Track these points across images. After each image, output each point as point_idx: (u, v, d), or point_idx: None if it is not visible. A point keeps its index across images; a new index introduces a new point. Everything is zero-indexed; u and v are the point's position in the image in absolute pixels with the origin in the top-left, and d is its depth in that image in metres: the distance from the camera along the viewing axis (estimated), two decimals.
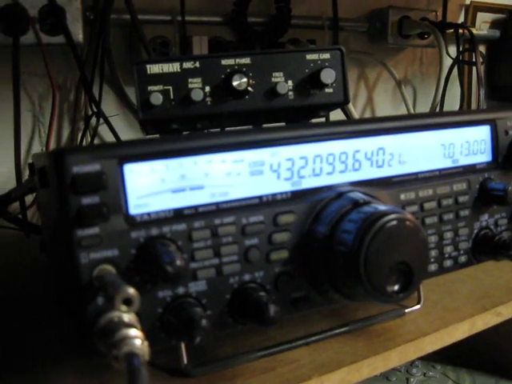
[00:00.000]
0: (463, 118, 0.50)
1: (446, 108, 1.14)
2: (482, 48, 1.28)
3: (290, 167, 0.41)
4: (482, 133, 0.51)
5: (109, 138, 0.90)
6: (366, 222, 0.38)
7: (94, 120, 0.89)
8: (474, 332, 0.55)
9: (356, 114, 1.05)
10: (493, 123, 0.51)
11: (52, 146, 0.86)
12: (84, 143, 0.88)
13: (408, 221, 0.39)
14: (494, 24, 1.28)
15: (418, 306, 0.55)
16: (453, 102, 1.20)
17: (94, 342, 0.34)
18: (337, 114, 0.96)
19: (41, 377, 0.46)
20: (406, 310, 0.54)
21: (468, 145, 0.50)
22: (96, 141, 0.90)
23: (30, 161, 0.48)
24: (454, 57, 1.13)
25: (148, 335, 0.35)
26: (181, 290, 0.38)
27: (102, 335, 0.33)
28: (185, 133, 0.59)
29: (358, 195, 0.42)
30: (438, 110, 1.10)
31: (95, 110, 0.87)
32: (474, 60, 1.09)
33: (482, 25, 1.27)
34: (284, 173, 0.41)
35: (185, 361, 0.44)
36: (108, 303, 0.33)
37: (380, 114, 1.19)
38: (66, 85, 0.89)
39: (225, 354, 0.47)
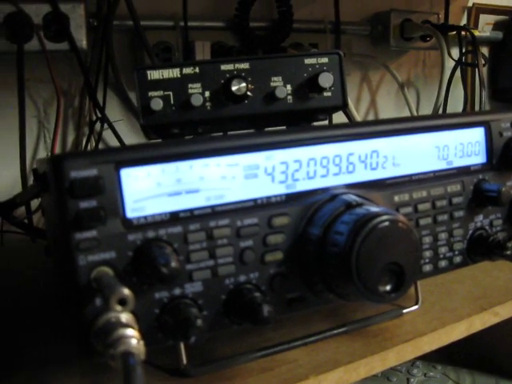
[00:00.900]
0: (457, 120, 0.51)
1: (449, 110, 1.15)
2: (485, 50, 1.29)
3: (285, 170, 0.42)
4: (476, 135, 0.51)
5: (113, 142, 0.91)
6: (357, 224, 0.39)
7: (98, 125, 0.90)
8: (472, 332, 0.55)
9: (358, 117, 1.06)
10: (487, 125, 0.51)
11: (57, 151, 0.88)
12: (89, 148, 0.90)
13: (400, 222, 0.40)
14: (497, 26, 1.29)
15: (415, 307, 0.56)
16: (456, 103, 1.21)
17: (92, 342, 0.35)
18: (340, 118, 0.97)
19: (45, 376, 0.46)
20: (404, 311, 0.55)
21: (462, 147, 0.50)
22: (101, 146, 0.92)
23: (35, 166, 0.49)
24: (456, 59, 1.14)
25: (145, 335, 0.36)
26: (177, 291, 0.39)
27: (99, 335, 0.34)
28: (186, 137, 0.60)
29: (351, 197, 0.43)
30: (440, 111, 1.11)
31: (99, 115, 0.89)
32: (476, 62, 1.09)
33: (485, 27, 1.27)
34: (278, 176, 0.42)
35: (184, 361, 0.45)
36: (105, 304, 0.34)
37: (383, 116, 1.20)
38: (70, 90, 0.90)
39: (224, 354, 0.47)
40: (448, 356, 0.69)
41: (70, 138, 0.92)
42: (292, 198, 0.43)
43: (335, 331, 0.51)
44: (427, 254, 0.49)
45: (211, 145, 0.40)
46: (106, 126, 0.89)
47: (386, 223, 0.39)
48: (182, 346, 0.44)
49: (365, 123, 0.61)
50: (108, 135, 0.91)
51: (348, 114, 1.00)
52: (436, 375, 0.66)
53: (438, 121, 0.50)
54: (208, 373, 0.45)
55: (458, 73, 1.16)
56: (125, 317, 0.35)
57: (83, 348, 0.37)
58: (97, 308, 0.36)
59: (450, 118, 0.51)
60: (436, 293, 0.59)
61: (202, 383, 0.44)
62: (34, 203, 0.80)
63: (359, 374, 0.48)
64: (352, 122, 0.89)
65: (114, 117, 0.91)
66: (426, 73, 1.24)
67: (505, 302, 0.58)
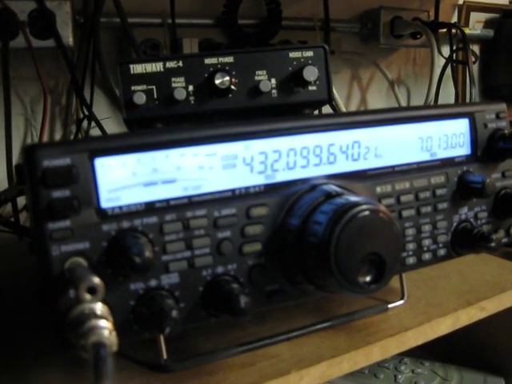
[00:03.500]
0: (441, 111, 0.50)
1: None
2: (476, 47, 1.29)
3: (264, 160, 0.42)
4: (461, 126, 0.51)
5: None
6: (336, 213, 0.38)
7: (85, 123, 0.89)
8: (458, 327, 0.55)
9: None
10: (471, 116, 0.51)
11: None
12: None
13: (380, 212, 0.39)
14: (487, 23, 1.29)
15: (401, 302, 0.55)
16: (447, 101, 1.21)
17: (66, 333, 0.34)
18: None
19: (28, 371, 0.46)
20: (389, 305, 0.54)
21: (446, 138, 0.50)
22: None
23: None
24: (447, 56, 1.13)
25: (121, 327, 0.36)
26: (153, 283, 0.38)
27: (73, 326, 0.33)
28: None
29: (331, 187, 0.42)
30: None
31: (87, 113, 0.88)
32: (466, 59, 1.09)
33: (476, 24, 1.27)
34: (257, 166, 0.41)
35: (164, 355, 0.44)
36: (76, 294, 0.33)
37: None
38: (57, 88, 0.90)
39: (206, 349, 0.47)
40: (436, 353, 0.69)
41: (57, 136, 0.91)
42: (271, 189, 0.42)
43: (319, 326, 0.51)
44: (410, 246, 0.48)
45: (188, 134, 0.39)
46: (93, 123, 0.89)
47: (366, 212, 0.39)
48: (161, 340, 0.44)
49: (346, 113, 0.61)
50: (95, 133, 0.90)
51: (336, 111, 0.99)
52: (424, 372, 0.65)
53: (421, 112, 0.49)
54: (188, 368, 0.45)
55: (448, 70, 1.16)
56: (99, 308, 0.34)
57: (58, 340, 0.36)
58: (70, 299, 0.35)
59: (433, 109, 0.50)
60: (422, 287, 0.59)
61: (182, 378, 0.44)
62: (22, 202, 0.79)
63: (342, 369, 0.48)
64: (333, 113, 0.88)
65: (102, 114, 0.90)
66: (416, 70, 1.24)
67: (491, 296, 0.57)
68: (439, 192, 0.49)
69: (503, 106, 0.52)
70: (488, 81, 1.30)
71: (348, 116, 0.47)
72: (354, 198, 0.40)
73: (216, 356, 0.46)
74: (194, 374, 0.44)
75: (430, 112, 0.50)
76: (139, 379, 0.44)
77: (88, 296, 0.32)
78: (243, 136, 0.41)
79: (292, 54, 0.57)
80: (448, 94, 1.20)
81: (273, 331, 0.49)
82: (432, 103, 1.11)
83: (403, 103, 1.17)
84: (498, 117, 0.52)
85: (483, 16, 1.28)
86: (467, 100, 1.20)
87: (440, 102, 1.15)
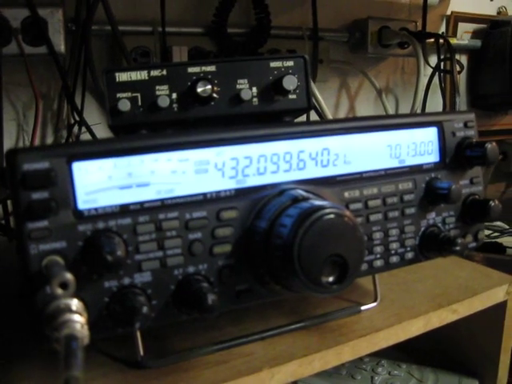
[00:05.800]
0: (410, 119, 0.52)
1: None
2: (464, 57, 1.31)
3: (235, 166, 0.44)
4: (429, 134, 0.53)
5: None
6: (300, 216, 0.40)
7: (76, 128, 0.91)
8: (429, 328, 0.56)
9: None
10: (440, 125, 0.53)
11: None
12: None
13: (343, 216, 0.41)
14: (475, 34, 1.31)
15: (374, 304, 0.57)
16: (436, 109, 1.23)
17: (42, 327, 0.36)
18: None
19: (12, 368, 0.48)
20: (362, 308, 0.56)
21: (415, 146, 0.52)
22: None
23: None
24: (434, 66, 1.16)
25: (96, 323, 0.38)
26: (126, 281, 0.40)
27: (48, 320, 0.35)
28: None
29: (298, 192, 0.44)
30: None
31: (78, 118, 0.90)
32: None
33: (464, 35, 1.29)
34: (228, 171, 0.43)
35: (141, 353, 0.46)
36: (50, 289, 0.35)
37: None
38: (49, 94, 0.91)
39: (184, 348, 0.48)
40: (413, 355, 0.70)
41: (49, 141, 0.93)
42: (241, 193, 0.44)
43: (292, 326, 0.52)
44: (378, 249, 0.50)
45: (162, 140, 0.41)
46: (84, 129, 0.91)
47: (330, 216, 0.40)
48: (138, 337, 0.46)
49: (316, 122, 0.62)
50: (86, 138, 0.92)
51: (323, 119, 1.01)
52: (400, 373, 0.67)
53: (390, 120, 0.51)
54: (164, 365, 0.46)
55: (436, 80, 1.18)
56: (74, 304, 0.36)
57: (35, 334, 0.38)
58: (47, 295, 0.37)
59: (402, 118, 0.52)
60: (396, 290, 0.61)
61: (158, 375, 0.46)
62: None
63: (314, 368, 0.49)
64: (303, 121, 0.90)
65: (93, 120, 0.92)
66: (404, 79, 1.26)
67: (463, 299, 0.59)
68: (407, 197, 0.51)
69: (471, 116, 0.54)
70: (476, 90, 1.32)
71: (318, 124, 0.49)
72: (318, 203, 0.42)
73: (191, 354, 0.48)
74: (169, 370, 0.46)
75: (399, 121, 0.52)
76: (116, 375, 0.46)
77: (60, 290, 0.34)
78: (215, 142, 0.43)
79: (273, 64, 0.59)
80: (436, 103, 1.22)
81: (248, 331, 0.51)
82: (419, 112, 1.13)
83: (391, 111, 1.19)
84: (466, 126, 0.54)
85: (471, 26, 1.30)
86: (456, 109, 1.22)
87: (428, 110, 1.17)
